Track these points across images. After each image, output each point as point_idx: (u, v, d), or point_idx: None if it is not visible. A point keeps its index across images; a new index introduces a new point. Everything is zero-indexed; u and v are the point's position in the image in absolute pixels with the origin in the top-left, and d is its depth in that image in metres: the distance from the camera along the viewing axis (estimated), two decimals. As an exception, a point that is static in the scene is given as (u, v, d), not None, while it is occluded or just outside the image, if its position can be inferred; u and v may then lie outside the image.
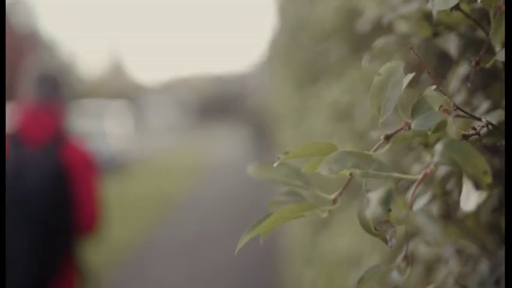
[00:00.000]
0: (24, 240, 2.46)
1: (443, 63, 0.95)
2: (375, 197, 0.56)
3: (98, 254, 7.18)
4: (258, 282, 6.15)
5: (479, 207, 0.83)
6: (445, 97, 0.63)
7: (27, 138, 2.62)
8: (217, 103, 37.54)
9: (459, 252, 0.89)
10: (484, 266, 0.83)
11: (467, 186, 0.55)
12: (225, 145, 22.12)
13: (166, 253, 6.97)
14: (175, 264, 6.62)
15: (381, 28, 1.15)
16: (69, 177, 2.59)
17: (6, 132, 2.41)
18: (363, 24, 1.18)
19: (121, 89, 30.85)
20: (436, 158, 0.54)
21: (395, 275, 0.58)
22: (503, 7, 0.66)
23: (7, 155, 2.43)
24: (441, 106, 0.62)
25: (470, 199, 0.54)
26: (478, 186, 0.54)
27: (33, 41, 23.34)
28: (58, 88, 2.84)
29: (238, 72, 38.74)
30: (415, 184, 0.60)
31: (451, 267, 0.88)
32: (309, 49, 3.21)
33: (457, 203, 0.87)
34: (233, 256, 6.67)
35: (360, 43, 1.89)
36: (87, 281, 2.81)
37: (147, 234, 7.50)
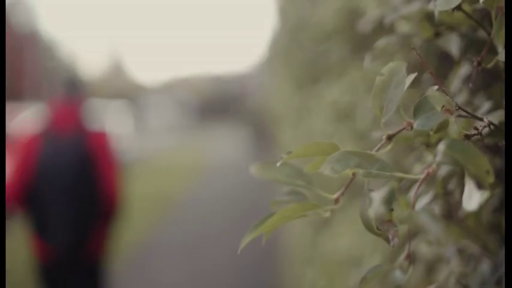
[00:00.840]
0: (62, 211, 3.03)
1: (444, 64, 0.95)
2: (377, 196, 0.57)
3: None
4: (258, 282, 6.15)
5: (481, 207, 0.84)
6: (447, 97, 0.63)
7: (57, 130, 3.13)
8: (217, 103, 37.52)
9: (460, 252, 0.89)
10: (485, 266, 0.84)
11: (469, 185, 0.55)
12: (225, 145, 22.12)
13: (166, 253, 6.97)
14: (175, 264, 6.62)
15: (382, 28, 1.16)
16: (93, 162, 3.12)
17: (36, 127, 3.23)
18: (364, 25, 1.18)
19: (121, 89, 30.85)
20: (439, 158, 0.55)
21: (398, 274, 0.58)
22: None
23: (42, 145, 3.05)
24: (443, 106, 0.62)
25: (472, 199, 0.54)
26: (480, 185, 0.54)
27: (33, 41, 23.34)
28: (79, 89, 3.46)
29: (238, 72, 38.75)
30: (418, 184, 0.60)
31: (453, 267, 0.88)
32: (309, 49, 3.21)
33: (459, 202, 0.88)
34: (233, 256, 6.67)
35: (360, 43, 1.89)
36: (112, 246, 3.45)
37: (147, 234, 7.50)
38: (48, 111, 3.26)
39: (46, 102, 3.53)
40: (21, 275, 6.11)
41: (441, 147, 0.55)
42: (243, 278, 6.18)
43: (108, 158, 3.25)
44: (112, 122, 15.98)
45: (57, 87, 3.42)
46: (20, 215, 3.35)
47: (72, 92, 3.33)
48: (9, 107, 9.77)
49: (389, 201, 0.57)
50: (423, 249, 0.98)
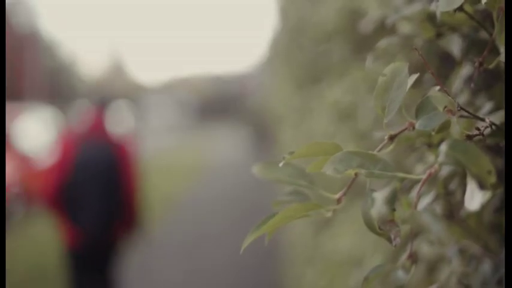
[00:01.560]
0: (95, 198, 3.63)
1: (446, 64, 0.95)
2: (380, 196, 0.57)
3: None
4: (258, 282, 6.15)
5: (482, 207, 0.84)
6: (449, 97, 0.63)
7: (90, 136, 3.77)
8: (217, 103, 37.51)
9: (462, 252, 0.90)
10: (486, 266, 0.84)
11: (471, 186, 0.55)
12: (225, 145, 22.11)
13: (166, 252, 6.97)
14: (175, 263, 6.62)
15: (383, 29, 1.16)
16: (118, 163, 3.77)
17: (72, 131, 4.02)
18: (366, 25, 1.18)
19: (121, 89, 30.85)
20: (441, 158, 0.55)
21: (400, 274, 0.58)
22: (507, 8, 0.66)
23: (79, 148, 3.67)
24: (445, 107, 0.62)
25: (474, 199, 0.54)
26: (482, 186, 0.54)
27: (34, 41, 23.33)
28: (109, 101, 4.19)
29: (238, 73, 38.74)
30: (420, 184, 0.60)
31: (454, 267, 0.88)
32: (310, 49, 3.21)
33: (460, 202, 0.88)
34: (233, 256, 6.67)
35: (361, 44, 1.89)
36: (139, 227, 3.97)
37: (147, 233, 7.49)
38: (83, 119, 3.91)
39: (82, 112, 4.16)
40: (21, 275, 6.12)
41: (443, 147, 0.55)
42: (244, 278, 6.18)
43: (130, 160, 3.92)
44: (112, 121, 15.98)
45: (92, 100, 4.14)
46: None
47: (104, 103, 4.00)
48: (9, 107, 9.77)
49: (391, 201, 0.57)
50: (425, 249, 0.98)
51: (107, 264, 3.84)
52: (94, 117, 3.85)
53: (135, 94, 33.01)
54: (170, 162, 16.26)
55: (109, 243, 3.79)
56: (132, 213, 3.84)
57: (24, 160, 8.77)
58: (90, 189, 3.62)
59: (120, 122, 4.78)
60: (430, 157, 0.87)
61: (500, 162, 0.83)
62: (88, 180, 3.63)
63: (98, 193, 3.64)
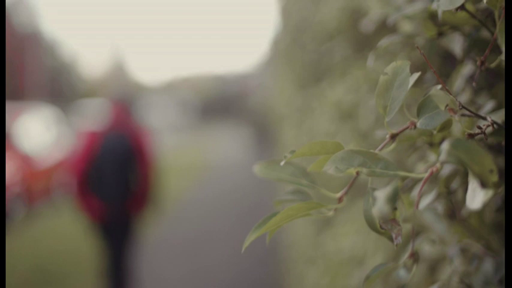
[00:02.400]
0: (114, 179, 4.35)
1: (447, 63, 0.95)
2: (381, 195, 0.57)
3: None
4: (259, 282, 6.15)
5: (484, 207, 0.84)
6: (451, 96, 0.63)
7: (112, 127, 4.45)
8: (218, 103, 37.49)
9: (463, 251, 0.89)
10: (488, 265, 0.84)
11: (473, 184, 0.55)
12: (226, 145, 22.11)
13: (167, 251, 6.97)
14: (176, 261, 6.62)
15: (385, 28, 1.16)
16: (135, 150, 4.42)
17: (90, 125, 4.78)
18: (367, 24, 1.18)
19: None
20: (443, 157, 0.55)
21: (402, 273, 0.58)
22: (509, 7, 0.66)
23: (102, 137, 4.36)
24: (447, 105, 0.62)
25: (476, 197, 0.54)
26: (484, 184, 0.54)
27: (35, 40, 23.34)
28: (128, 96, 4.74)
29: (239, 72, 38.73)
30: (422, 182, 0.60)
31: (456, 266, 0.88)
32: (311, 49, 3.21)
33: (462, 202, 0.88)
34: (234, 254, 6.67)
35: (363, 43, 1.89)
36: (153, 205, 4.62)
37: (148, 232, 7.49)
38: (106, 113, 4.55)
39: (105, 107, 4.75)
40: (21, 275, 6.12)
41: (445, 146, 0.55)
42: (245, 277, 6.18)
43: (144, 148, 4.50)
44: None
45: (112, 97, 4.66)
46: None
47: (123, 100, 4.58)
48: (10, 107, 9.78)
49: (392, 200, 0.57)
50: (426, 248, 0.98)
51: (125, 234, 4.52)
52: (114, 112, 4.50)
53: (136, 94, 32.96)
54: (171, 161, 16.26)
55: (126, 215, 4.47)
56: (145, 192, 4.51)
57: (25, 160, 8.77)
58: (110, 171, 4.35)
59: (137, 117, 5.18)
60: (432, 156, 0.87)
61: (502, 161, 0.83)
62: (109, 165, 4.35)
63: (117, 175, 4.37)
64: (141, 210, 4.56)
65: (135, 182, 4.48)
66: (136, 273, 4.87)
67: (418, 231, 0.88)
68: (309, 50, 3.36)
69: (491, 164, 0.54)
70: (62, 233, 8.02)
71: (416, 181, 0.84)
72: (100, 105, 5.00)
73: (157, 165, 4.80)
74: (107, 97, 4.87)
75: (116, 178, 4.38)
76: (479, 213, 0.87)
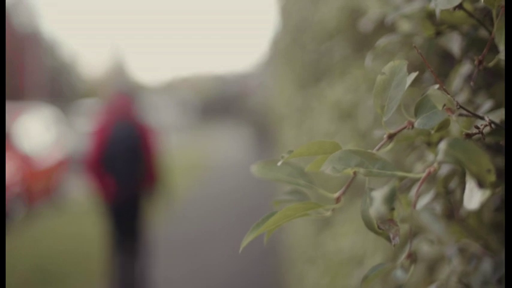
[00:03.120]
0: (125, 166, 4.90)
1: (445, 63, 0.95)
2: (378, 195, 0.56)
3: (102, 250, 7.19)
4: (260, 281, 6.15)
5: (482, 206, 0.83)
6: (449, 96, 0.63)
7: (120, 119, 4.96)
8: (218, 103, 37.49)
9: (462, 251, 0.89)
10: (487, 265, 0.83)
11: (470, 184, 0.55)
12: (226, 145, 22.11)
13: (168, 250, 6.97)
14: (177, 260, 6.62)
15: (383, 28, 1.16)
16: (141, 139, 4.96)
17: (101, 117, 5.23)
18: (366, 24, 1.18)
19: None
20: (440, 157, 0.54)
21: (399, 273, 0.58)
22: (507, 6, 0.66)
23: (112, 128, 4.89)
24: (444, 105, 0.62)
25: (473, 198, 0.54)
26: (481, 184, 0.54)
27: (35, 40, 23.34)
28: (131, 91, 5.32)
29: (239, 72, 38.72)
30: (419, 182, 0.60)
31: (454, 266, 0.88)
32: (311, 49, 3.21)
33: (460, 202, 0.87)
34: (234, 254, 6.67)
35: (362, 43, 1.89)
36: (158, 185, 5.17)
37: (150, 232, 7.50)
38: (114, 105, 5.03)
39: (110, 101, 5.21)
40: (21, 275, 6.12)
41: (442, 146, 0.55)
42: (245, 276, 6.18)
43: (150, 136, 5.03)
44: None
45: (116, 90, 5.16)
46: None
47: (127, 92, 5.11)
48: (10, 107, 9.78)
49: (390, 200, 0.57)
50: (424, 248, 0.98)
51: (135, 212, 5.00)
52: (121, 105, 5.01)
53: (136, 94, 32.96)
54: (171, 161, 16.25)
55: (135, 194, 4.99)
56: (151, 174, 5.04)
57: (25, 160, 8.78)
58: (121, 156, 4.87)
59: (141, 108, 5.65)
60: (430, 156, 0.87)
61: (500, 160, 0.83)
62: (119, 150, 4.88)
63: (126, 159, 4.90)
64: (147, 189, 5.10)
65: (141, 165, 5.01)
66: (145, 249, 5.26)
67: (416, 232, 0.87)
68: (308, 49, 3.36)
69: (488, 163, 0.54)
70: (62, 233, 8.02)
71: (414, 181, 0.84)
72: (107, 100, 5.42)
73: (161, 150, 5.35)
74: (112, 91, 5.32)
75: (125, 162, 4.92)
76: (478, 213, 0.87)
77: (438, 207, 0.89)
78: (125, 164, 4.91)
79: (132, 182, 4.96)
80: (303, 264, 3.80)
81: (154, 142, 5.10)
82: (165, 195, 5.31)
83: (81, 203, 10.27)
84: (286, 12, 5.35)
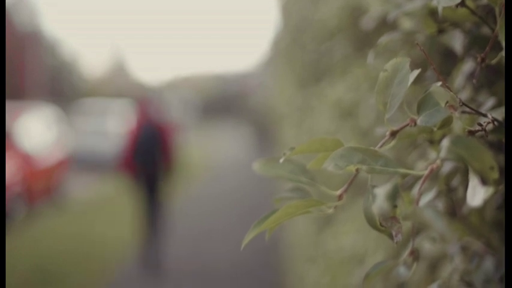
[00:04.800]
0: (149, 156, 6.50)
1: (448, 60, 0.94)
2: (381, 192, 0.56)
3: (104, 250, 7.18)
4: (260, 281, 6.16)
5: (484, 204, 0.83)
6: (451, 93, 0.62)
7: (146, 121, 6.59)
8: (219, 102, 37.48)
9: (464, 249, 0.89)
10: (489, 263, 0.83)
11: (473, 181, 0.55)
12: (226, 144, 22.11)
13: (170, 249, 6.98)
14: (178, 260, 6.63)
15: (385, 26, 1.15)
16: (162, 136, 6.57)
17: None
18: (368, 22, 1.18)
19: (123, 88, 30.84)
20: (443, 154, 0.54)
21: (402, 270, 0.58)
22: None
23: (140, 128, 6.55)
24: (447, 102, 0.62)
25: (477, 195, 0.54)
26: (484, 181, 0.54)
27: (36, 39, 23.33)
28: (157, 96, 8.01)
29: (240, 71, 38.71)
30: (422, 180, 0.59)
31: (456, 264, 0.88)
32: (312, 48, 3.20)
33: (462, 200, 0.87)
34: (235, 253, 6.67)
35: (363, 41, 1.89)
36: (173, 168, 6.73)
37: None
38: (140, 111, 6.75)
39: (138, 105, 6.98)
40: (21, 275, 6.12)
41: (445, 142, 0.54)
42: (246, 275, 6.18)
43: (168, 135, 6.69)
44: (114, 120, 16.00)
45: (144, 95, 7.64)
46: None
47: (153, 98, 7.10)
48: (11, 106, 9.77)
49: (393, 197, 0.56)
50: (426, 246, 0.98)
51: (156, 187, 6.63)
52: (147, 111, 6.68)
53: (137, 93, 32.95)
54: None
55: (156, 174, 6.60)
56: (168, 161, 6.64)
57: (25, 159, 8.77)
58: (146, 149, 6.50)
59: (162, 113, 7.08)
60: (432, 154, 0.86)
61: (503, 158, 0.82)
62: (146, 145, 6.51)
63: (150, 150, 6.52)
64: (164, 172, 6.67)
65: (160, 156, 6.59)
66: (165, 216, 6.87)
67: (418, 229, 0.87)
68: (309, 49, 3.36)
69: (491, 161, 0.54)
70: (62, 233, 8.02)
71: (416, 179, 0.83)
72: (136, 106, 7.09)
73: (175, 146, 6.89)
74: (140, 98, 7.27)
75: (149, 154, 6.54)
76: (480, 211, 0.87)
77: (440, 205, 0.89)
78: (149, 155, 6.54)
79: (153, 166, 6.58)
80: (305, 263, 3.80)
81: (169, 139, 6.73)
82: (175, 175, 6.96)
83: (82, 202, 10.28)
84: (286, 11, 5.34)
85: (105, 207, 9.93)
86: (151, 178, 6.74)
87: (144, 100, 6.96)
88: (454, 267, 0.88)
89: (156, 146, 6.69)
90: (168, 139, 6.76)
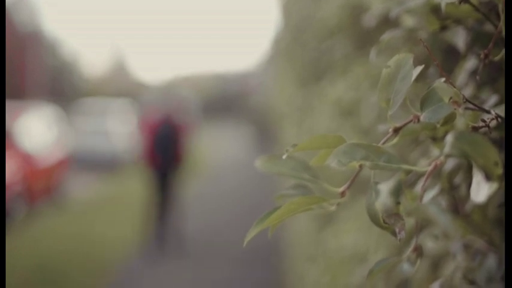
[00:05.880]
0: (166, 150, 7.35)
1: (450, 57, 0.94)
2: (384, 188, 0.56)
3: (108, 250, 7.17)
4: (261, 280, 6.15)
5: (487, 202, 0.83)
6: (455, 89, 0.62)
7: (163, 121, 7.36)
8: (219, 102, 37.47)
9: (466, 246, 0.89)
10: (491, 261, 0.83)
11: (477, 177, 0.54)
12: (227, 144, 22.10)
13: (171, 248, 6.98)
14: (179, 259, 6.63)
15: (387, 24, 1.15)
16: (177, 135, 7.41)
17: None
18: (369, 20, 1.17)
19: (124, 88, 30.84)
20: (447, 149, 0.54)
21: (406, 267, 0.57)
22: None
23: (158, 127, 7.44)
24: (451, 98, 0.61)
25: (481, 191, 0.54)
26: (489, 177, 0.53)
27: (36, 39, 23.33)
28: (175, 99, 8.76)
29: (240, 71, 38.72)
30: (425, 176, 0.59)
31: (459, 261, 0.87)
32: (312, 47, 3.20)
33: (465, 197, 0.87)
34: (235, 252, 6.66)
35: (364, 40, 1.89)
36: (184, 163, 7.54)
37: (149, 232, 7.50)
38: (157, 112, 7.61)
39: (156, 108, 7.93)
40: (21, 275, 6.11)
41: (449, 138, 0.54)
42: (247, 274, 6.18)
43: (182, 133, 7.49)
44: (115, 120, 16.00)
45: (164, 99, 8.45)
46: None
47: (170, 101, 8.01)
48: (11, 106, 9.76)
49: (396, 193, 0.56)
50: (429, 244, 0.97)
51: (171, 176, 7.43)
52: (166, 111, 7.50)
53: (137, 92, 32.97)
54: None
55: (172, 166, 7.40)
56: (180, 156, 7.43)
57: (26, 159, 8.77)
58: (163, 145, 7.28)
59: (181, 113, 8.05)
60: (435, 151, 0.86)
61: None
62: (162, 141, 7.29)
63: (166, 146, 7.30)
64: (179, 164, 7.46)
65: (175, 150, 7.36)
66: (179, 203, 7.77)
67: (421, 227, 0.87)
68: (309, 48, 3.36)
69: (495, 156, 0.53)
70: (62, 233, 8.01)
71: (419, 176, 0.83)
72: (159, 105, 7.91)
73: (188, 143, 7.80)
74: (163, 100, 8.14)
75: (166, 148, 7.31)
76: (483, 208, 0.86)
77: (443, 203, 0.88)
78: (166, 149, 7.30)
79: (170, 159, 7.36)
80: (305, 262, 3.80)
81: (183, 136, 7.53)
82: (187, 167, 7.86)
83: (82, 202, 10.27)
84: (287, 11, 5.34)
85: (105, 207, 9.92)
86: (167, 171, 7.52)
87: (167, 100, 8.01)
88: (456, 265, 0.87)
89: (172, 142, 7.47)
90: (182, 137, 7.59)
